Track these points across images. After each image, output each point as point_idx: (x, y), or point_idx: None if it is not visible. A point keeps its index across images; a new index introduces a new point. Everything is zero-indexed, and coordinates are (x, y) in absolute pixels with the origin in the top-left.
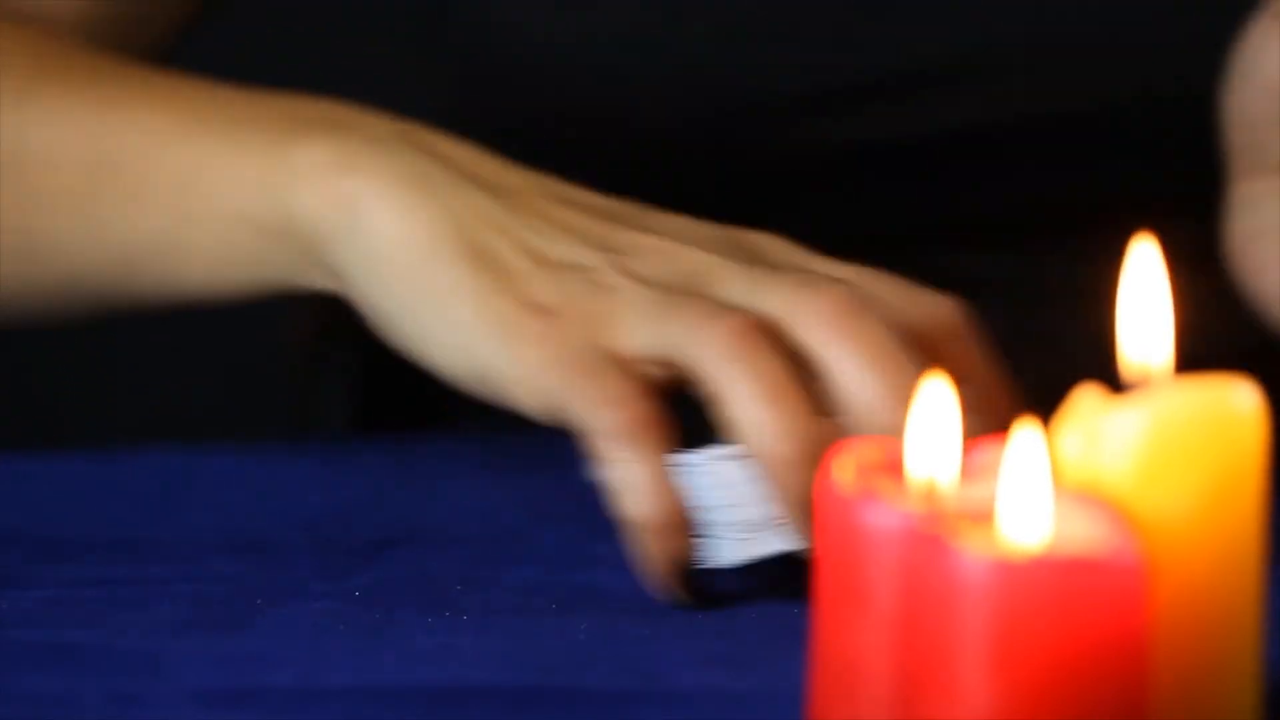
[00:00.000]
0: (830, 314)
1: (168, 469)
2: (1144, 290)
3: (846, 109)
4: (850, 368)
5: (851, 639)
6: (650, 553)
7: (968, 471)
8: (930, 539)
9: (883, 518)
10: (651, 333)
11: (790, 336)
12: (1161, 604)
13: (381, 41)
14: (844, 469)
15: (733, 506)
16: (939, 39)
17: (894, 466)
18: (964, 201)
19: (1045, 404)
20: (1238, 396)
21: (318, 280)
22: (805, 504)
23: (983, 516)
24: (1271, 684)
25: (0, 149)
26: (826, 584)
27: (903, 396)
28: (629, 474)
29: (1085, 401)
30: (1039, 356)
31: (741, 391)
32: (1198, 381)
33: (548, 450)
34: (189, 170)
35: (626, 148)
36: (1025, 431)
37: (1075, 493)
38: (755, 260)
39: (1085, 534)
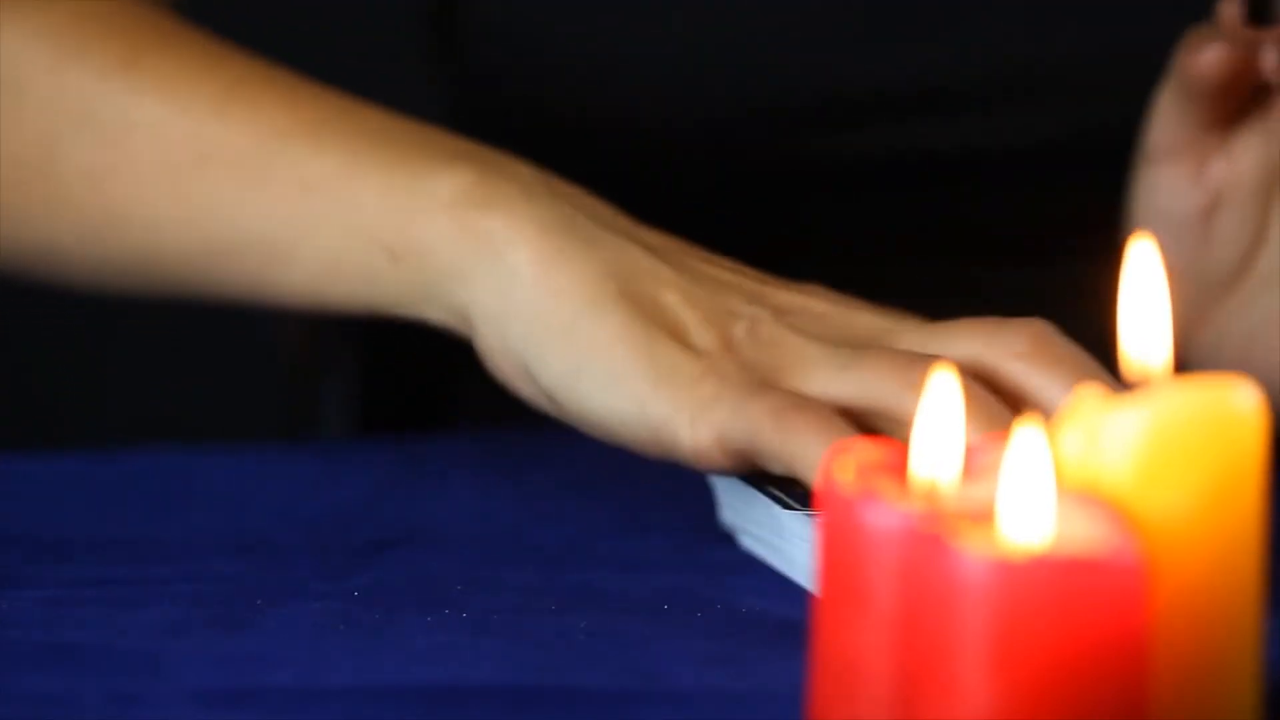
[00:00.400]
0: (1030, 345)
1: (168, 469)
2: (1144, 290)
3: (858, 122)
4: (1060, 393)
5: (852, 639)
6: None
7: (968, 471)
8: (930, 539)
9: (883, 518)
10: (838, 380)
11: (990, 377)
12: (1161, 604)
13: (388, 40)
14: (844, 469)
15: None
16: (951, 56)
17: (894, 466)
18: (971, 212)
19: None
20: (1238, 396)
21: (431, 314)
22: None
23: (983, 516)
24: (1271, 684)
25: (103, 111)
26: (827, 584)
27: None
28: (799, 449)
29: (1085, 401)
30: None
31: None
32: (1198, 381)
33: (548, 450)
34: (313, 175)
35: (634, 154)
36: (1026, 431)
37: (1075, 493)
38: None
39: (1085, 534)
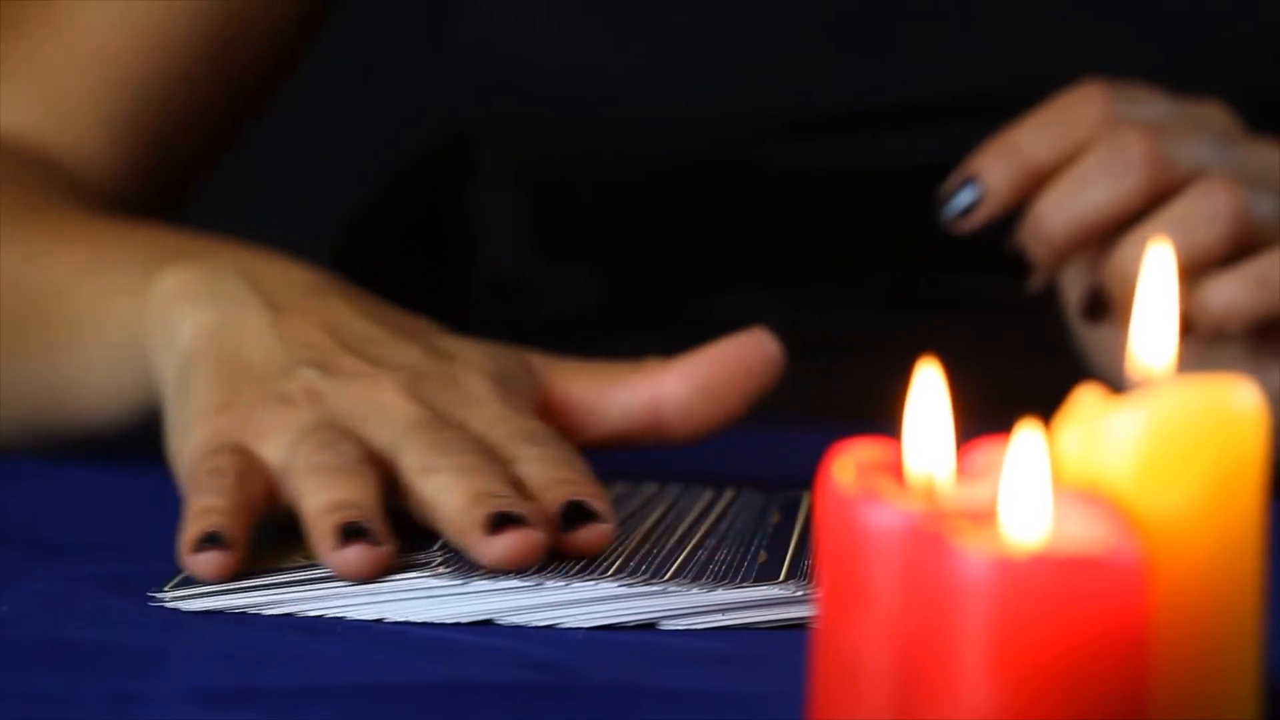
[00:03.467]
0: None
1: (167, 469)
2: (1155, 292)
3: (851, 134)
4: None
5: (852, 638)
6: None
7: (967, 471)
8: (931, 537)
9: (883, 517)
10: (280, 450)
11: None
12: (1161, 602)
13: (394, 55)
14: (844, 469)
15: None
16: (948, 70)
17: (894, 466)
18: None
19: (1046, 406)
20: (1238, 396)
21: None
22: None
23: (983, 515)
24: (1271, 683)
25: None
26: (827, 583)
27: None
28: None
29: (1085, 401)
30: (1042, 363)
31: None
32: (1198, 381)
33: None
34: (83, 312)
35: (631, 167)
36: (1025, 431)
37: (1075, 491)
38: (444, 394)
39: (1085, 532)
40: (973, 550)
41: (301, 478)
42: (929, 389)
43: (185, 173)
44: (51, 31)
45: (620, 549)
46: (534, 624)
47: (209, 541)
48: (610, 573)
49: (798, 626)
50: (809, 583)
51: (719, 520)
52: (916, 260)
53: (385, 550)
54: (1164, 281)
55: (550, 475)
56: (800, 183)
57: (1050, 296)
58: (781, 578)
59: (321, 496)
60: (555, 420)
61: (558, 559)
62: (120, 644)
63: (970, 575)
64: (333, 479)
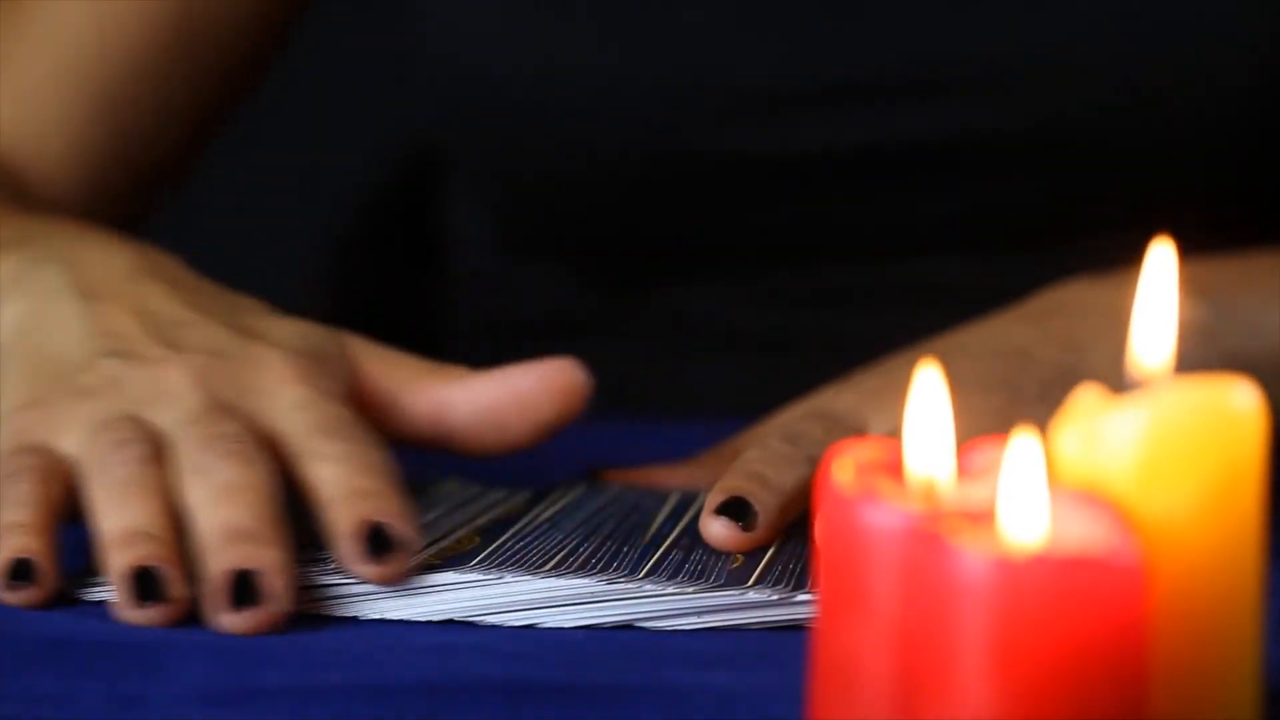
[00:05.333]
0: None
1: None
2: (1155, 293)
3: (819, 114)
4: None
5: (852, 638)
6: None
7: (966, 471)
8: (930, 538)
9: (883, 517)
10: (78, 444)
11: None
12: (1161, 603)
13: (364, 69)
14: (844, 469)
15: None
16: (912, 48)
17: (894, 466)
18: (938, 208)
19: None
20: (1238, 396)
21: None
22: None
23: (982, 516)
24: (1271, 684)
25: None
26: (827, 583)
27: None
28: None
29: (1085, 401)
30: None
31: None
32: (1198, 381)
33: (543, 450)
34: None
35: (591, 164)
36: (1023, 432)
37: (1075, 492)
38: (239, 377)
39: (1085, 533)
40: (972, 550)
41: (93, 485)
42: (929, 389)
43: (155, 174)
44: (16, 31)
45: (588, 546)
46: (509, 624)
47: (21, 575)
48: (579, 567)
49: (796, 626)
50: (786, 586)
51: (693, 521)
52: (883, 249)
53: (173, 605)
54: (1165, 280)
55: (347, 484)
56: (765, 169)
57: (1021, 282)
58: (752, 581)
59: (112, 519)
60: (359, 408)
61: (534, 553)
62: (120, 644)
63: (970, 575)
64: (124, 496)
